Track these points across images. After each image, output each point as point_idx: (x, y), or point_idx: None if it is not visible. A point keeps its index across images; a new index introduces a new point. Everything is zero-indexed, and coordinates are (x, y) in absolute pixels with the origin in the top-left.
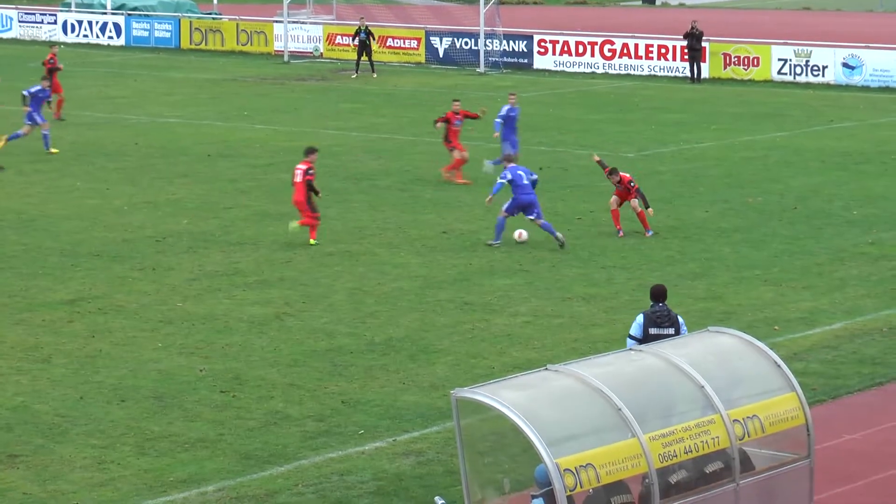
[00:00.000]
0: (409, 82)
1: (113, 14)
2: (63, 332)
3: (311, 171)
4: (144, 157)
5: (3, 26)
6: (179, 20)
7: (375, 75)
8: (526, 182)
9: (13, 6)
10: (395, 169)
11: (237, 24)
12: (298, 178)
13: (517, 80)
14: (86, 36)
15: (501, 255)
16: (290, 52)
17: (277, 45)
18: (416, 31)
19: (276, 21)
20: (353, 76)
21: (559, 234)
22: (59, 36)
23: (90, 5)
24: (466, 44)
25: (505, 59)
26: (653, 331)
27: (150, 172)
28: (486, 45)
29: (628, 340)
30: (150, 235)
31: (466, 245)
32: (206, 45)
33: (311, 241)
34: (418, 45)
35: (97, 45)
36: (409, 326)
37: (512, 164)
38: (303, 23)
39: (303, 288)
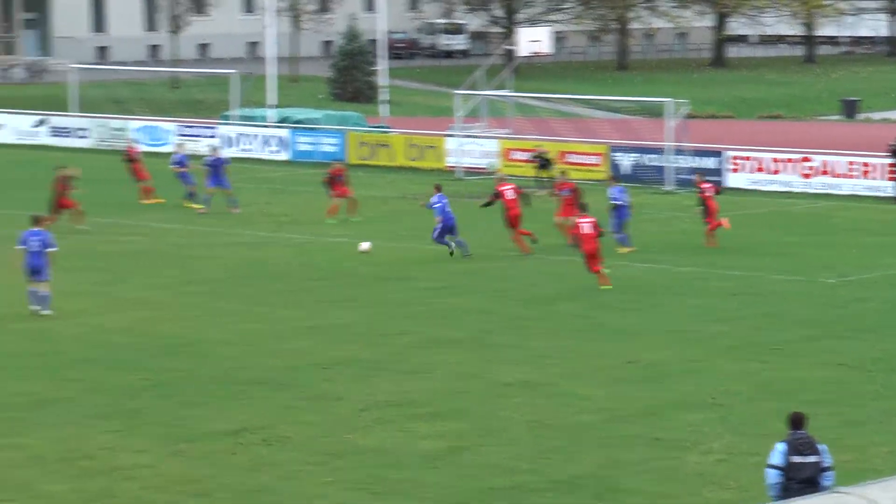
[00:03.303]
0: (591, 201)
1: (276, 128)
2: (224, 465)
3: None
4: (309, 278)
5: (160, 140)
6: (346, 133)
7: (547, 192)
8: (448, 210)
9: (171, 118)
10: (576, 294)
11: (407, 139)
12: None
13: None
14: (247, 150)
15: (692, 387)
16: (464, 167)
17: (450, 161)
18: (598, 147)
19: (449, 135)
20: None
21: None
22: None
23: (251, 118)
24: (652, 160)
25: (694, 177)
26: (796, 459)
27: (315, 295)
28: (673, 161)
29: (768, 471)
30: (316, 362)
31: (654, 376)
32: (374, 159)
33: None
34: (601, 162)
35: (259, 160)
36: (594, 463)
37: (440, 194)
38: (477, 137)
39: (479, 420)
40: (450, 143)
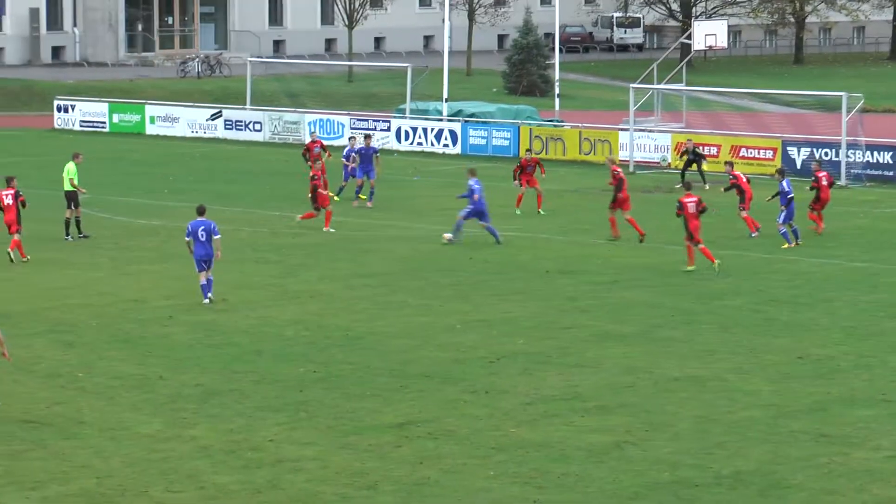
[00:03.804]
0: (761, 195)
1: (449, 121)
2: (390, 458)
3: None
4: (479, 272)
5: (335, 133)
6: (518, 127)
7: (707, 186)
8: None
9: (346, 112)
10: (747, 289)
11: (580, 132)
12: None
13: (881, 195)
14: (420, 143)
15: (863, 384)
16: (636, 161)
17: (622, 155)
18: (771, 141)
19: (622, 129)
20: (677, 186)
21: (498, 235)
22: (393, 143)
23: (425, 111)
24: (826, 154)
25: (868, 172)
26: None
27: (485, 289)
28: (847, 156)
29: None
30: (482, 356)
31: (823, 372)
32: (546, 153)
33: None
34: (774, 156)
35: (432, 154)
36: (759, 459)
37: (475, 178)
38: (650, 131)
39: (645, 415)
40: (622, 137)
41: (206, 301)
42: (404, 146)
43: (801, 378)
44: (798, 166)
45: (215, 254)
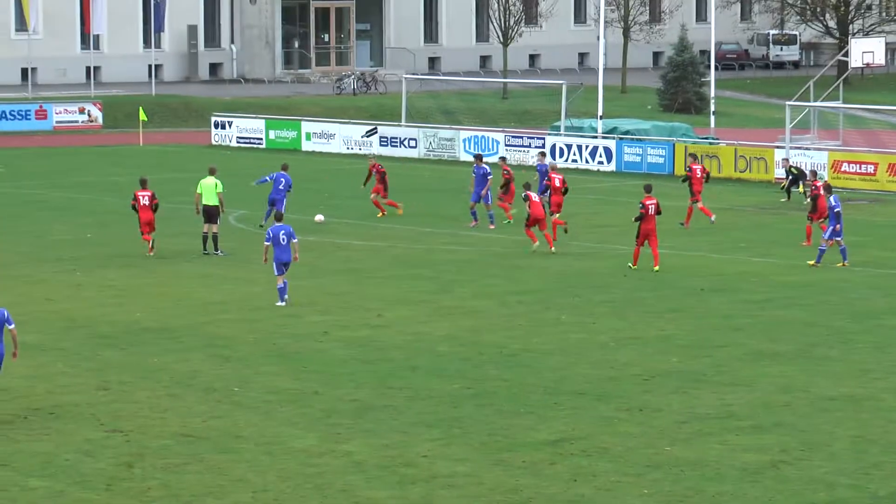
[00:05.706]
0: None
1: (604, 138)
2: (544, 475)
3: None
4: (633, 289)
5: (490, 150)
6: (674, 145)
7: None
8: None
9: (500, 129)
10: None
11: (735, 150)
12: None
13: None
14: (575, 161)
15: None
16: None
17: (778, 173)
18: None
19: (778, 146)
20: (783, 200)
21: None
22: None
23: (580, 129)
24: None
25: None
26: None
27: (639, 306)
28: None
29: None
30: (636, 374)
31: None
32: None
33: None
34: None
35: (586, 171)
36: None
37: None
38: (806, 148)
39: (801, 434)
40: (778, 155)
41: (282, 303)
42: (559, 163)
43: None
44: None
45: (293, 257)
